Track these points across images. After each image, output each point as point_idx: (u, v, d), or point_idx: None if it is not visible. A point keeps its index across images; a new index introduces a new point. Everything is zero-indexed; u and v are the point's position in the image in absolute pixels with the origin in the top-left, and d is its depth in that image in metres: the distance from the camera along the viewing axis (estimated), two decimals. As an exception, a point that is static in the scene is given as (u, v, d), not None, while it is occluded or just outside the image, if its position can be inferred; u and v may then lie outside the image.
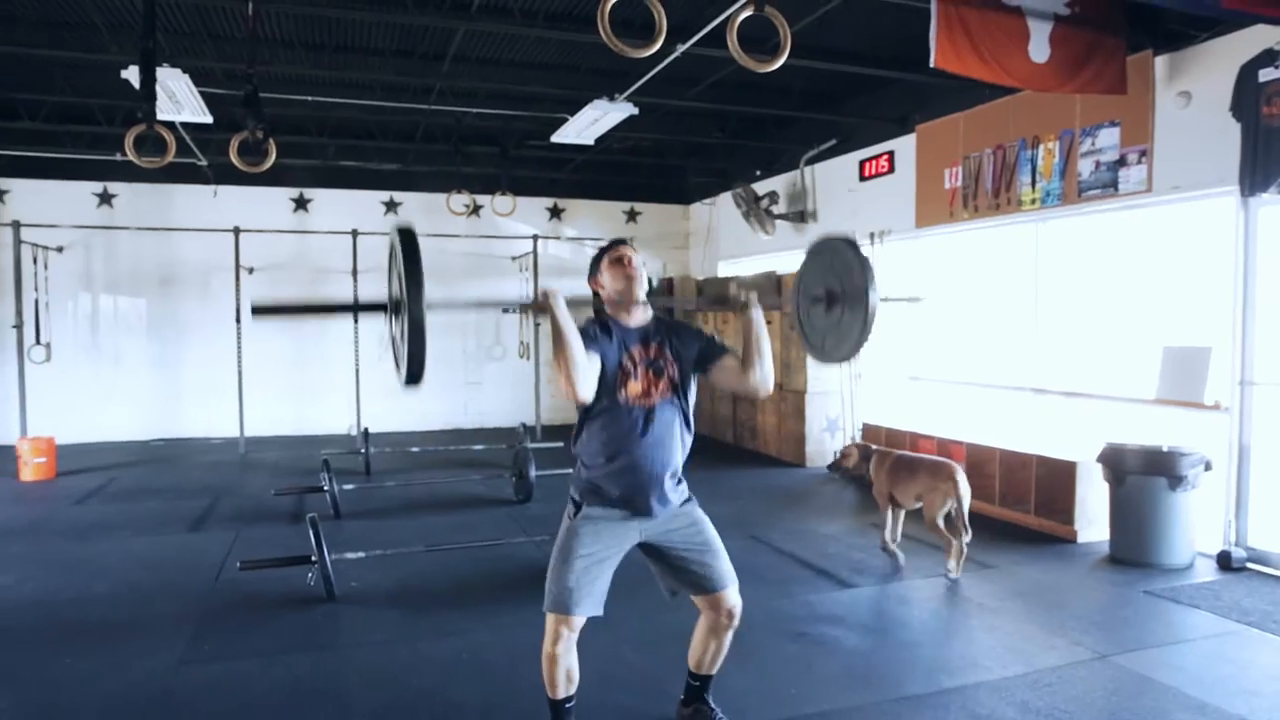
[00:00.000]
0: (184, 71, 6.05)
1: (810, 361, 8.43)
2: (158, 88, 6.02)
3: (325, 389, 10.65)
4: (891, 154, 8.09)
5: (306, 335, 10.71)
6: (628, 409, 2.83)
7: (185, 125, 8.01)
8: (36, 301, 9.33)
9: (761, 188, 10.09)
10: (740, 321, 2.96)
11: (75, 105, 8.33)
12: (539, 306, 2.65)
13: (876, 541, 5.60)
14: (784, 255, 10.01)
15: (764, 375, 2.90)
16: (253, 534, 5.93)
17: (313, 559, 4.43)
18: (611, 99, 6.89)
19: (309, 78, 7.68)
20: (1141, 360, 5.97)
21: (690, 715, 3.16)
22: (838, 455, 5.80)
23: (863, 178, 8.51)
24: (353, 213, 10.55)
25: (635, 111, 7.06)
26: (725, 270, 11.45)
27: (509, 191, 9.62)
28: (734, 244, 11.16)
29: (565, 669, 2.86)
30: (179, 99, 6.55)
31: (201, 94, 6.69)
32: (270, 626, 4.23)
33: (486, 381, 11.62)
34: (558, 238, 11.68)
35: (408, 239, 2.53)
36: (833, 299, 3.00)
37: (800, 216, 9.45)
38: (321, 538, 4.44)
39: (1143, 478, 5.24)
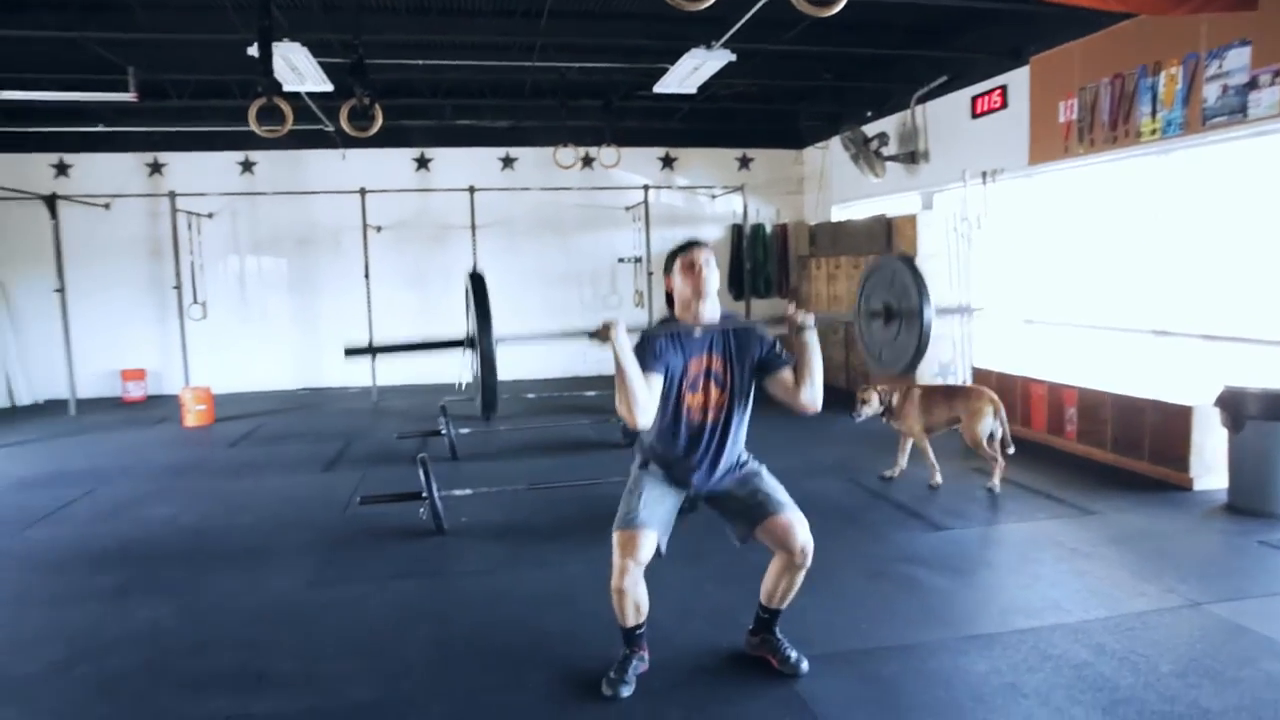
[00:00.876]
0: (303, 45, 6.47)
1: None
2: (280, 61, 6.51)
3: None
4: (1004, 88, 7.74)
5: (431, 290, 11.23)
6: (687, 419, 3.03)
7: (311, 94, 8.52)
8: (192, 264, 10.23)
9: (872, 129, 9.84)
10: (796, 342, 3.04)
11: (214, 82, 8.98)
12: (600, 336, 2.81)
13: (976, 486, 5.58)
14: (895, 198, 9.78)
15: (814, 395, 3.03)
16: (378, 473, 6.44)
17: (423, 495, 4.82)
18: (708, 47, 6.89)
19: (418, 42, 7.99)
20: (1271, 300, 5.60)
21: (758, 644, 3.33)
22: (858, 404, 5.78)
23: (974, 115, 8.18)
24: (470, 170, 10.97)
25: (733, 58, 7.03)
26: (839, 215, 11.27)
27: (614, 143, 9.76)
28: (846, 188, 10.96)
29: (634, 602, 3.05)
30: (300, 70, 6.99)
31: (322, 64, 7.13)
32: (385, 555, 4.66)
33: (603, 331, 11.94)
34: (669, 187, 11.77)
35: (478, 284, 2.80)
36: (890, 315, 3.05)
37: (911, 157, 9.19)
38: (430, 476, 4.83)
39: (1264, 422, 4.97)
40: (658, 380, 2.94)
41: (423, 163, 11.36)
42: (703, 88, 8.33)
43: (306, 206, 10.85)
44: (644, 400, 2.84)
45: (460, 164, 11.19)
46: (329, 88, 7.56)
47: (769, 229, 12.05)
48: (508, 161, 11.41)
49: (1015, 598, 3.95)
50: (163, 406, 10.00)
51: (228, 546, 4.89)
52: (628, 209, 11.47)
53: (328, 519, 5.35)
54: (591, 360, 11.77)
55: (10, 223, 10.16)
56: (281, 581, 4.29)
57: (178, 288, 9.72)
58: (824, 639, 3.48)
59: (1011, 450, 5.58)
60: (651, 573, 3.02)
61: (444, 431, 6.97)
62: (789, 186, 12.42)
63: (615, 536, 3.01)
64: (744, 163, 12.14)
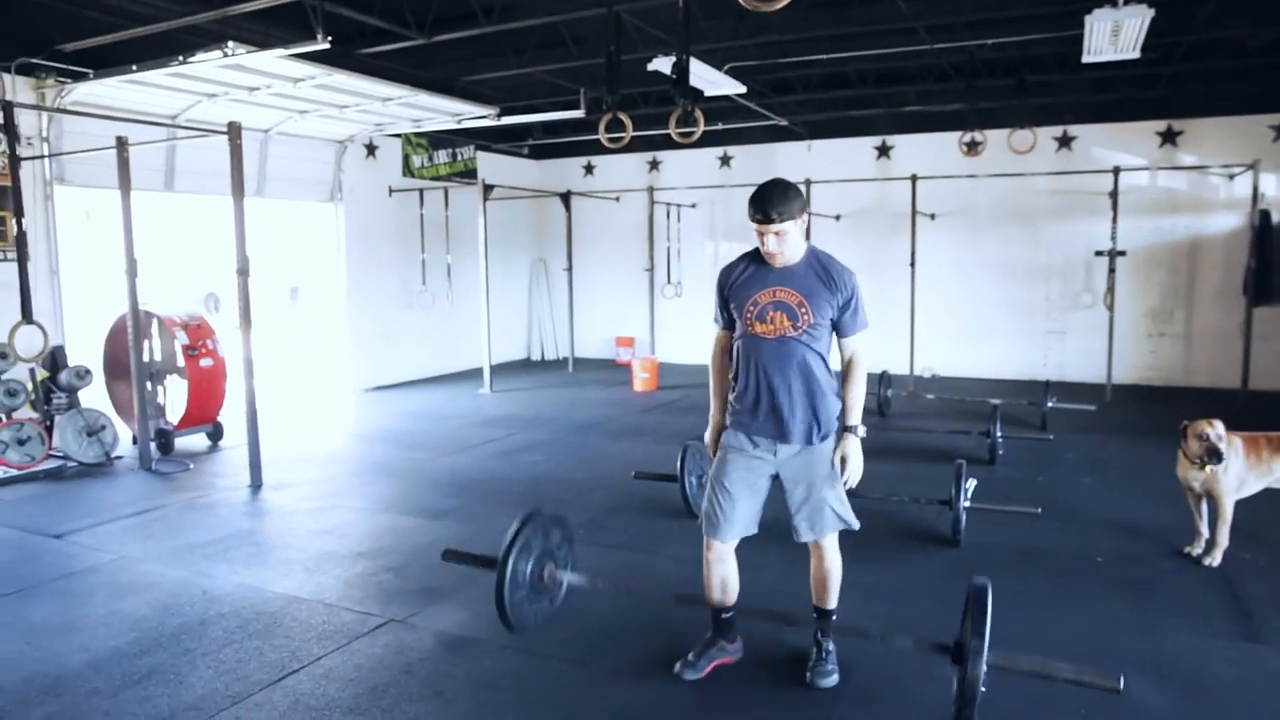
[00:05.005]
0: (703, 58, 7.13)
1: None
2: (691, 74, 7.31)
3: (893, 331, 10.90)
4: None
5: (884, 279, 11.09)
6: (757, 339, 3.09)
7: (745, 96, 9.14)
8: (669, 249, 11.76)
9: None
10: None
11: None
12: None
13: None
14: None
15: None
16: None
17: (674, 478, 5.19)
18: (1116, 4, 5.79)
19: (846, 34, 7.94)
20: None
21: (813, 641, 3.33)
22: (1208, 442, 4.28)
23: None
24: (930, 156, 10.54)
25: (1151, 12, 5.79)
26: None
27: (1028, 125, 8.66)
28: None
29: (720, 577, 3.24)
30: (708, 79, 7.69)
31: (735, 69, 7.75)
32: (633, 528, 5.16)
33: (1071, 331, 10.57)
34: (1170, 167, 9.83)
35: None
36: None
37: None
38: (686, 460, 5.14)
39: None
40: (728, 335, 3.24)
41: (883, 151, 11.26)
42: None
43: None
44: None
45: (920, 149, 10.83)
46: (741, 89, 8.13)
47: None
48: (973, 146, 10.68)
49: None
50: (637, 371, 11.80)
51: (527, 494, 5.86)
52: (1110, 194, 9.89)
53: (620, 484, 5.94)
54: (1052, 364, 10.61)
55: (550, 215, 12.79)
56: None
57: (650, 270, 11.30)
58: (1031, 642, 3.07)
59: None
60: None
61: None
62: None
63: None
64: (1282, 133, 9.51)
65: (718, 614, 3.30)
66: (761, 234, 3.02)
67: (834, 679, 3.22)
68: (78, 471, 6.56)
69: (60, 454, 6.63)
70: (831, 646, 3.30)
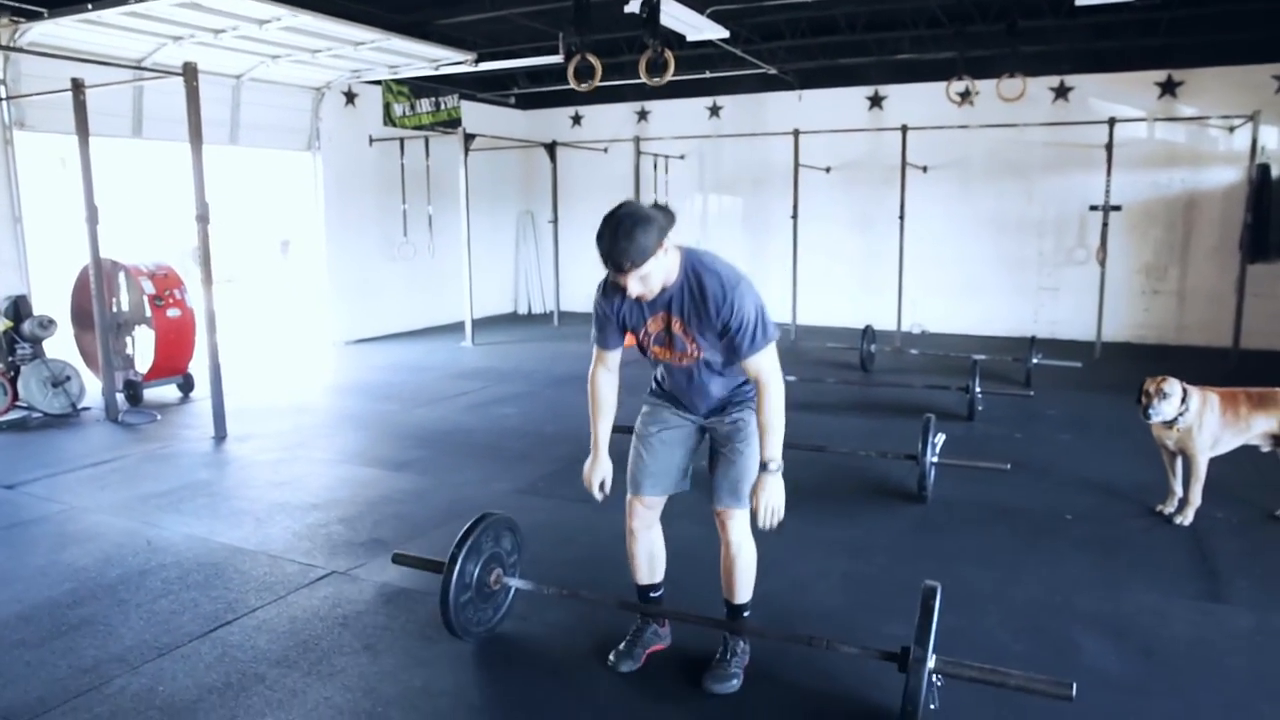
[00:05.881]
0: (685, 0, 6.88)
1: None
2: (669, 17, 7.07)
3: (882, 285, 10.71)
4: None
5: (875, 233, 10.87)
6: (654, 361, 2.90)
7: (754, 40, 8.87)
8: (656, 201, 11.44)
9: None
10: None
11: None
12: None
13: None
14: None
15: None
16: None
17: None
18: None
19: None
20: None
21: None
22: (1152, 396, 4.19)
23: None
24: (923, 107, 10.26)
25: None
26: None
27: (1018, 73, 8.38)
28: None
29: (645, 551, 3.01)
30: (688, 22, 7.43)
31: (718, 13, 7.50)
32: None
33: (1064, 288, 10.38)
34: (1168, 118, 9.56)
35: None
36: None
37: None
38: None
39: None
40: (615, 356, 2.92)
41: (875, 101, 10.98)
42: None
43: (761, 147, 11.31)
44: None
45: (913, 100, 10.54)
46: (724, 33, 7.87)
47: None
48: (965, 96, 10.38)
49: None
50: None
51: (493, 446, 5.79)
52: (1105, 147, 9.64)
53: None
54: (1044, 321, 10.42)
55: (537, 167, 12.53)
56: (497, 486, 5.02)
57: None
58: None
59: None
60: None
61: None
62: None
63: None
64: (1288, 82, 9.21)
65: (646, 593, 3.07)
66: (619, 283, 2.59)
67: (734, 684, 2.88)
68: (42, 422, 6.46)
69: (25, 405, 6.53)
70: (741, 647, 2.97)
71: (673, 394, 2.92)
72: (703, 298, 2.62)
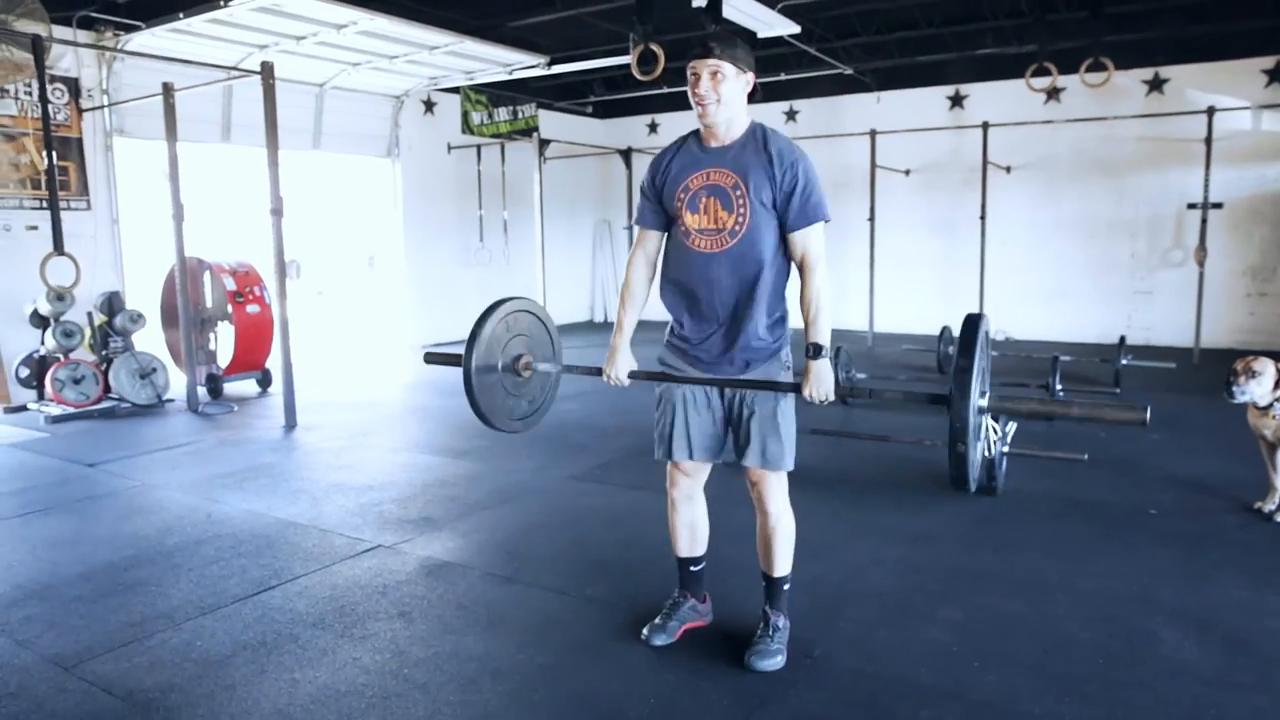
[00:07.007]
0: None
1: None
2: (738, 12, 7.04)
3: (963, 292, 10.34)
4: None
5: (958, 237, 10.53)
6: (689, 254, 2.65)
7: (828, 38, 8.75)
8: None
9: None
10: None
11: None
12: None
13: None
14: None
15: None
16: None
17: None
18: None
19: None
20: None
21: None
22: (1238, 375, 3.88)
23: None
24: (1003, 105, 9.93)
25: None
26: None
27: (1103, 58, 7.92)
28: None
29: (687, 522, 2.89)
30: (758, 17, 7.36)
31: (789, 8, 7.41)
32: (651, 472, 4.96)
33: (1159, 291, 9.83)
34: (1275, 105, 8.98)
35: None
36: None
37: None
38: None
39: None
40: (655, 239, 2.78)
41: (956, 100, 10.66)
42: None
43: (838, 150, 11.04)
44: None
45: (996, 98, 10.19)
46: (795, 29, 7.76)
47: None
48: (1053, 94, 9.99)
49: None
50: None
51: (553, 437, 5.72)
52: (1205, 140, 9.11)
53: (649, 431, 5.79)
54: (1137, 326, 9.85)
55: (614, 175, 12.57)
56: (552, 472, 4.99)
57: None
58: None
59: None
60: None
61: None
62: None
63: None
64: None
65: (686, 566, 2.94)
66: (694, 76, 2.52)
67: (779, 661, 2.72)
68: (130, 412, 6.75)
69: (115, 396, 6.83)
70: (782, 623, 2.81)
71: (692, 334, 2.71)
72: (767, 151, 2.57)
